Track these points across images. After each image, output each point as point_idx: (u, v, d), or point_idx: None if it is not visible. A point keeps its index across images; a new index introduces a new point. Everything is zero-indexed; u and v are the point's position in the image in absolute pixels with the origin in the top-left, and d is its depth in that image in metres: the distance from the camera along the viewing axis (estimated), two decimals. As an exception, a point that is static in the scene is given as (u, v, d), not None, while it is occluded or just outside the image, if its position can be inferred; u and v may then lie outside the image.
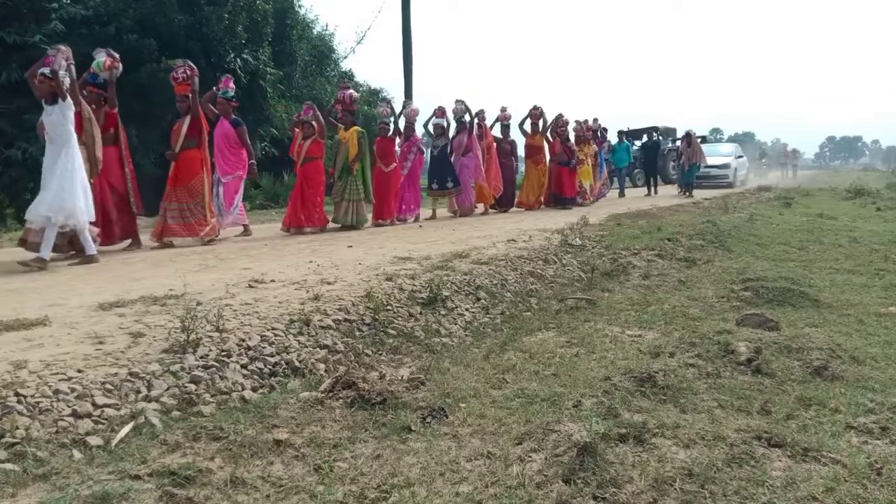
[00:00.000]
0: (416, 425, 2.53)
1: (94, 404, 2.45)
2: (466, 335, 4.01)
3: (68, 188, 5.31)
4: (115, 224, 6.43)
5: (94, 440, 2.28)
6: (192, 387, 2.72)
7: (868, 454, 2.25)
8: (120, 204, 6.46)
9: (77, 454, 2.20)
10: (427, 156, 11.17)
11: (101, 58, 6.36)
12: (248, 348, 3.10)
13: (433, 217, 10.58)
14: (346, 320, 3.66)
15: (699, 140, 17.43)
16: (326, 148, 9.05)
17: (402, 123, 9.96)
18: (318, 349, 3.32)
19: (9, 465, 2.07)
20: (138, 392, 2.60)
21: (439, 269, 4.98)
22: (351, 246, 6.72)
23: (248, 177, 8.16)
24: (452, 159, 10.77)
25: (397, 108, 10.39)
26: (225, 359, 2.95)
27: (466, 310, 4.36)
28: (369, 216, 9.10)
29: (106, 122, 6.27)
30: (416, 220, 10.09)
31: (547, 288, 5.32)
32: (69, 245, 5.79)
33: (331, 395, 2.80)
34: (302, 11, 20.81)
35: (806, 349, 3.38)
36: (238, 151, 7.80)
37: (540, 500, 1.96)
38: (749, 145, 50.42)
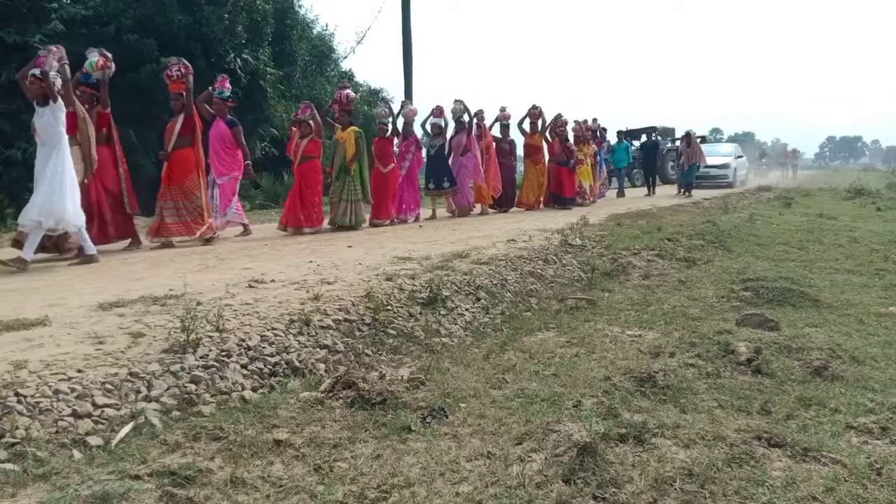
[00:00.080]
0: (416, 425, 2.53)
1: (94, 404, 2.46)
2: (466, 335, 4.01)
3: (58, 191, 5.26)
4: (110, 225, 6.40)
5: (94, 440, 2.28)
6: (192, 387, 2.72)
7: (868, 454, 2.25)
8: (114, 204, 6.42)
9: (77, 454, 2.20)
10: (424, 155, 11.14)
11: (94, 57, 6.32)
12: (248, 348, 3.10)
13: (433, 217, 10.58)
14: (346, 320, 3.66)
15: (699, 140, 17.43)
16: (324, 147, 9.03)
17: (400, 123, 9.95)
18: (318, 349, 3.32)
19: (9, 465, 2.08)
20: (138, 392, 2.60)
21: (439, 269, 4.98)
22: (351, 246, 6.72)
23: (243, 177, 8.13)
24: (451, 159, 10.76)
25: (396, 108, 10.39)
26: (225, 359, 2.95)
27: (466, 310, 4.36)
28: (367, 217, 9.07)
29: (99, 122, 6.22)
30: (417, 219, 10.09)
31: (547, 288, 5.32)
32: (54, 247, 5.73)
33: (331, 395, 2.80)
34: (302, 11, 20.81)
35: (806, 349, 3.38)
36: (233, 152, 7.75)
37: (540, 500, 1.96)
38: (749, 145, 50.43)
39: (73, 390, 2.49)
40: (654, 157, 18.61)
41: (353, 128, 8.73)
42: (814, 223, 9.99)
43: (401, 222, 9.74)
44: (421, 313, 4.05)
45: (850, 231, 9.02)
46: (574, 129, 13.44)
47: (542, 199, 12.54)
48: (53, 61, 5.47)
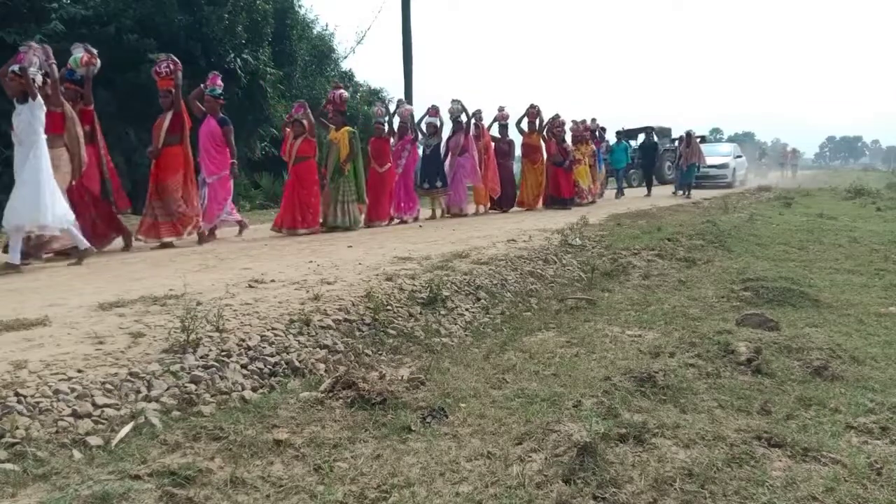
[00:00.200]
0: (416, 425, 2.53)
1: (94, 404, 2.46)
2: (466, 335, 4.01)
3: (35, 193, 5.11)
4: (96, 223, 6.32)
5: (94, 440, 2.28)
6: (192, 387, 2.72)
7: (868, 454, 2.25)
8: (95, 204, 6.31)
9: (77, 454, 2.20)
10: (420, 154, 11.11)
11: (79, 53, 6.23)
12: (248, 348, 3.10)
13: (433, 217, 10.58)
14: (346, 320, 3.66)
15: (698, 140, 17.41)
16: (322, 146, 8.95)
17: (396, 123, 9.91)
18: (318, 349, 3.32)
19: (9, 465, 2.08)
20: (138, 392, 2.60)
21: (439, 269, 4.98)
22: (351, 246, 6.72)
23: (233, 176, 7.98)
24: (449, 159, 10.74)
25: (393, 108, 10.38)
26: (225, 359, 2.95)
27: (466, 310, 4.36)
28: (362, 217, 8.97)
29: (82, 120, 6.06)
30: (416, 219, 10.08)
31: (547, 288, 5.32)
32: (38, 248, 5.55)
33: (331, 395, 2.80)
34: (302, 11, 20.78)
35: (806, 349, 3.38)
36: (224, 150, 7.55)
37: (540, 500, 1.96)
38: (749, 145, 50.33)
39: (73, 390, 2.49)
40: (653, 157, 18.61)
41: (346, 128, 8.67)
42: (814, 223, 9.99)
43: (401, 222, 9.73)
44: (421, 313, 4.05)
45: (850, 231, 9.03)
46: (572, 129, 13.43)
47: (540, 199, 12.53)
48: (34, 57, 5.36)
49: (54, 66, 5.60)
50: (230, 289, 4.21)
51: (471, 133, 10.86)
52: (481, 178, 11.06)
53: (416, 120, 10.49)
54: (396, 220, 9.69)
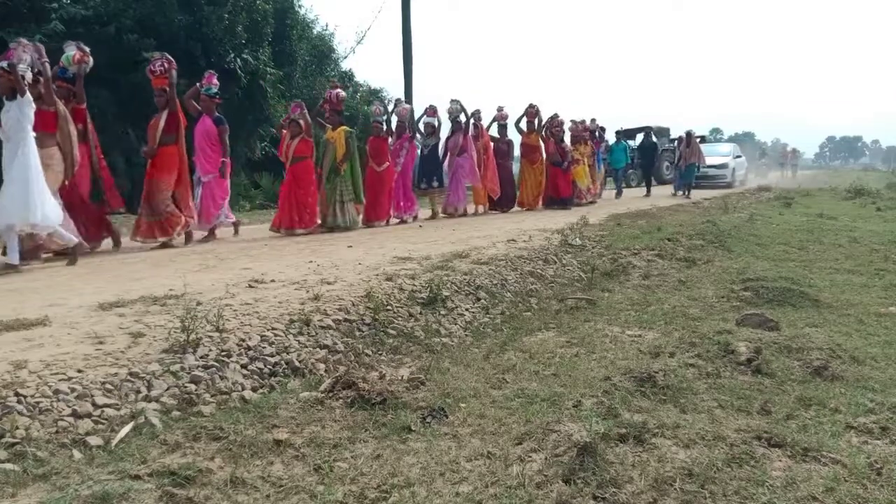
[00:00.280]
0: (416, 425, 2.53)
1: (94, 404, 2.45)
2: (466, 335, 4.01)
3: (24, 191, 5.08)
4: (86, 223, 6.28)
5: (94, 440, 2.28)
6: (192, 387, 2.72)
7: (868, 454, 2.25)
8: (83, 204, 6.27)
9: (77, 454, 2.20)
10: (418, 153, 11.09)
11: (71, 51, 6.20)
12: (248, 348, 3.10)
13: (433, 217, 10.58)
14: (346, 320, 3.66)
15: (698, 140, 17.41)
16: (319, 146, 8.92)
17: (394, 122, 9.90)
18: (318, 349, 3.32)
19: (9, 465, 2.07)
20: (138, 392, 2.60)
21: (439, 269, 4.98)
22: (351, 246, 6.72)
23: (220, 175, 7.95)
24: (448, 159, 10.72)
25: (391, 107, 10.38)
26: (225, 359, 2.95)
27: (466, 310, 4.36)
28: (359, 217, 8.94)
29: (74, 118, 6.02)
30: (416, 219, 10.07)
31: (547, 288, 5.32)
32: (34, 250, 5.54)
33: (331, 395, 2.80)
34: (302, 11, 20.79)
35: (806, 349, 3.38)
36: (219, 149, 7.53)
37: (540, 500, 1.96)
38: (749, 145, 50.36)
39: (73, 390, 2.48)
40: (652, 157, 18.60)
41: (343, 128, 8.64)
42: (814, 223, 9.99)
43: (400, 222, 9.72)
44: (421, 313, 4.05)
45: (850, 231, 9.03)
46: (570, 129, 13.41)
47: (541, 198, 12.52)
48: (24, 54, 5.33)
49: (47, 65, 5.56)
50: (230, 289, 4.21)
51: (469, 133, 10.84)
52: (480, 178, 11.05)
53: (415, 120, 10.49)
54: (396, 220, 9.68)
